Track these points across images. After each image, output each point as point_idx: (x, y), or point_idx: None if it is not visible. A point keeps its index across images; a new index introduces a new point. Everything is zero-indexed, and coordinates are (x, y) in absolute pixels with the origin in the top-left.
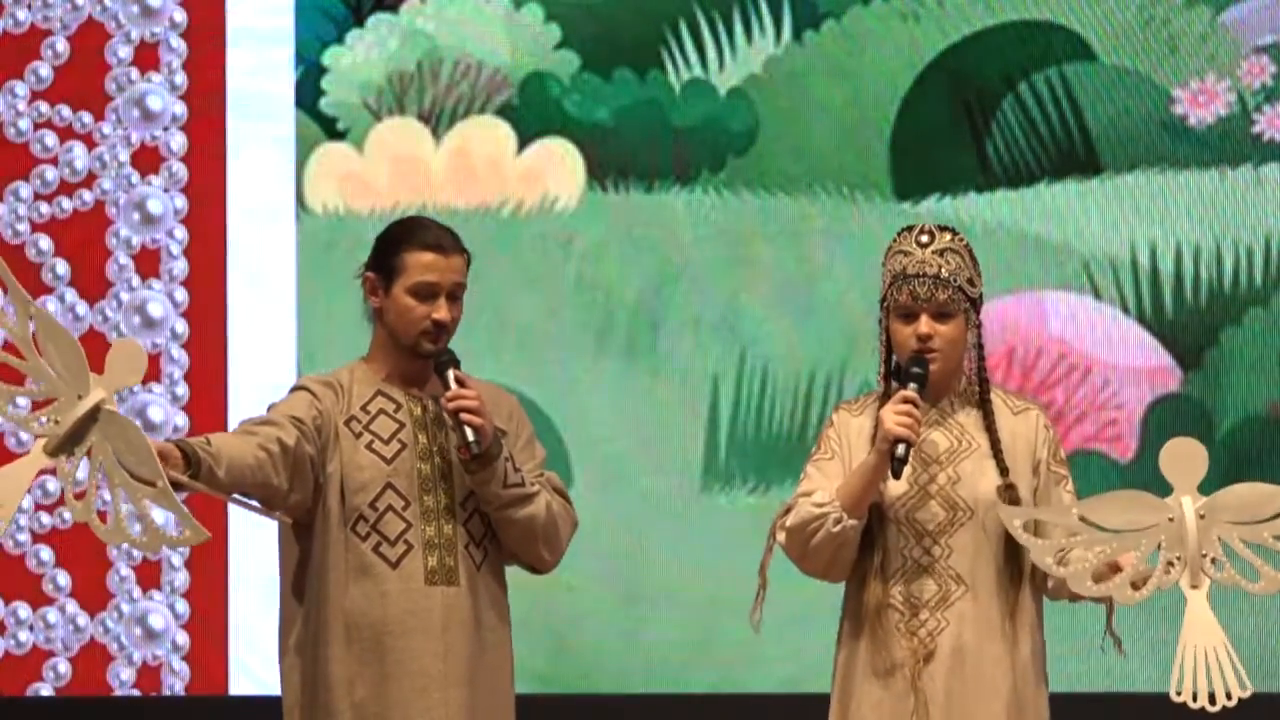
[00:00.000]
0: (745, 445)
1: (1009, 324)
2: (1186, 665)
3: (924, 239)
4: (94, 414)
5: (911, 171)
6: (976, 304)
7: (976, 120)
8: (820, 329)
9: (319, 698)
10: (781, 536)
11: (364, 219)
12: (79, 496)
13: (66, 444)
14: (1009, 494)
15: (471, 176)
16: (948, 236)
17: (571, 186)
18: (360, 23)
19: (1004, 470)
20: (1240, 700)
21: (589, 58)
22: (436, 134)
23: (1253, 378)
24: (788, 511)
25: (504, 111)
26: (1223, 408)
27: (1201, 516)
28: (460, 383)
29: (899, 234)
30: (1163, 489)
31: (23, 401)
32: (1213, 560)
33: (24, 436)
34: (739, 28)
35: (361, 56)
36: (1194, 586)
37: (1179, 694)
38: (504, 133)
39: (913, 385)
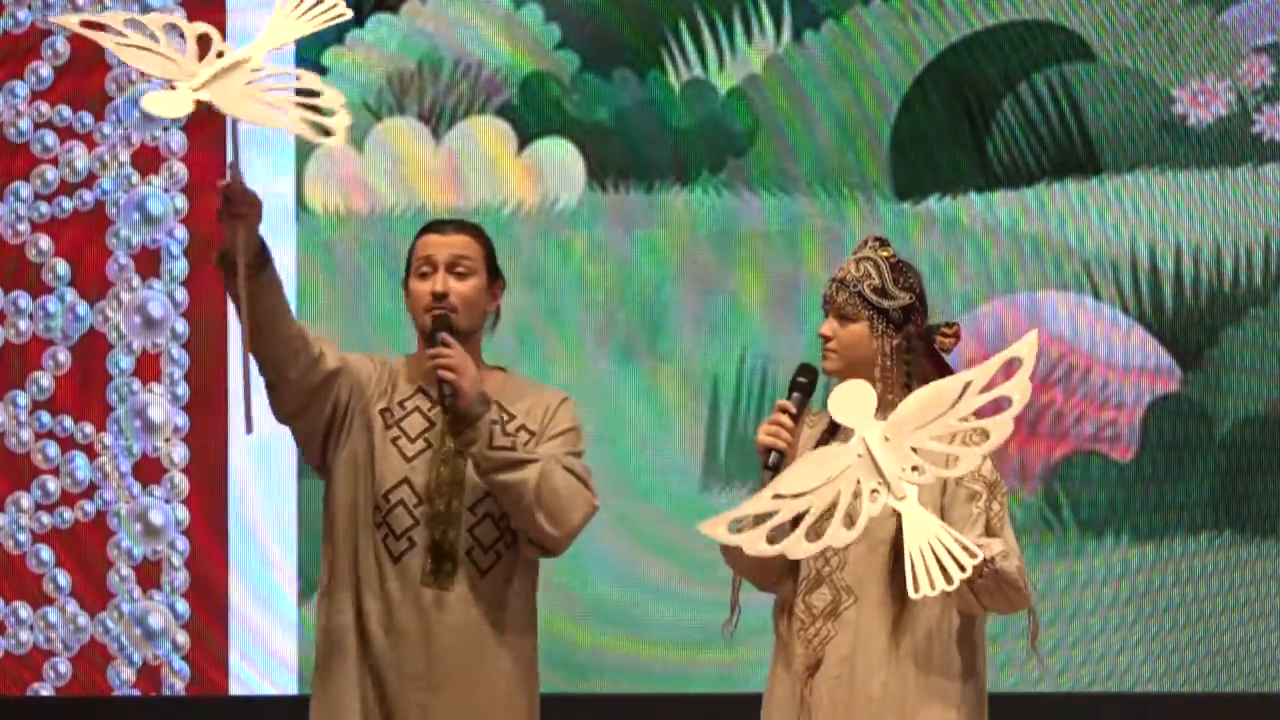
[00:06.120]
0: (745, 445)
1: (1009, 324)
2: (917, 564)
3: (856, 248)
4: (239, 64)
5: (911, 171)
6: (889, 314)
7: (976, 120)
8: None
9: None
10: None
11: (364, 219)
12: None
13: (210, 82)
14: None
15: (471, 176)
16: (873, 246)
17: (571, 186)
18: (360, 23)
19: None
20: (970, 570)
21: (589, 58)
22: (436, 134)
23: (1253, 378)
24: None
25: (504, 111)
26: (1223, 408)
27: (887, 439)
28: (445, 344)
29: None
30: (1162, 489)
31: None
32: (914, 469)
33: (24, 436)
34: (739, 28)
35: (361, 56)
36: (900, 499)
37: (917, 592)
38: (504, 133)
39: (795, 395)
